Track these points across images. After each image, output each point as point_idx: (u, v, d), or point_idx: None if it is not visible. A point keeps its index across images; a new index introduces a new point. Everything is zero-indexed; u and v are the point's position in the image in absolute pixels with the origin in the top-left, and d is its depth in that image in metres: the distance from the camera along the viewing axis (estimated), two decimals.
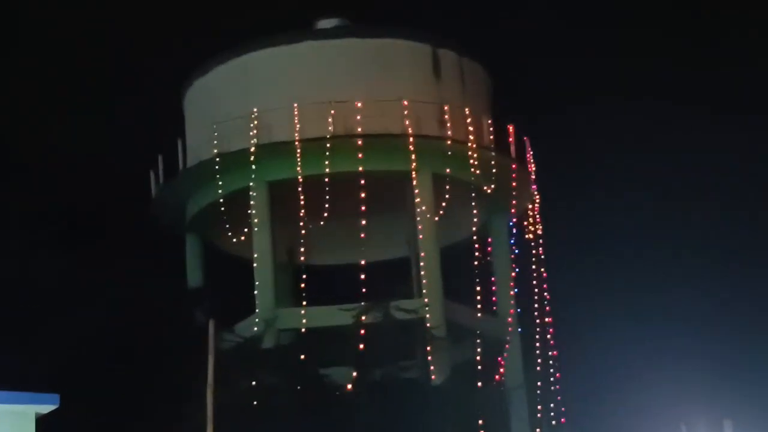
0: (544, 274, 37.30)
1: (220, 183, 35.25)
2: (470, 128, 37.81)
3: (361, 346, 29.44)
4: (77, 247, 31.22)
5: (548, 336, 36.43)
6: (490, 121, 39.16)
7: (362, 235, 33.97)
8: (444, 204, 36.54)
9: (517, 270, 37.45)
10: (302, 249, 34.62)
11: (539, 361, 35.92)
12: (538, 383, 35.35)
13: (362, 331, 29.75)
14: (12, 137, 41.70)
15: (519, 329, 36.71)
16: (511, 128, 39.13)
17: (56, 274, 29.00)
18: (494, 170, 37.52)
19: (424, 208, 35.52)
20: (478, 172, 36.90)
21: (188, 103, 40.49)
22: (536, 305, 36.81)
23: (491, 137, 38.79)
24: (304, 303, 32.96)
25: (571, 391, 36.14)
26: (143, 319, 27.35)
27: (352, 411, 26.59)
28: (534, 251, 37.67)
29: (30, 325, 26.70)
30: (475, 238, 37.00)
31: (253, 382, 26.60)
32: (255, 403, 25.59)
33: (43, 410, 15.45)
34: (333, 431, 25.37)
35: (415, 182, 35.64)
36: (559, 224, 41.87)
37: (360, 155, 34.98)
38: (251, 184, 35.22)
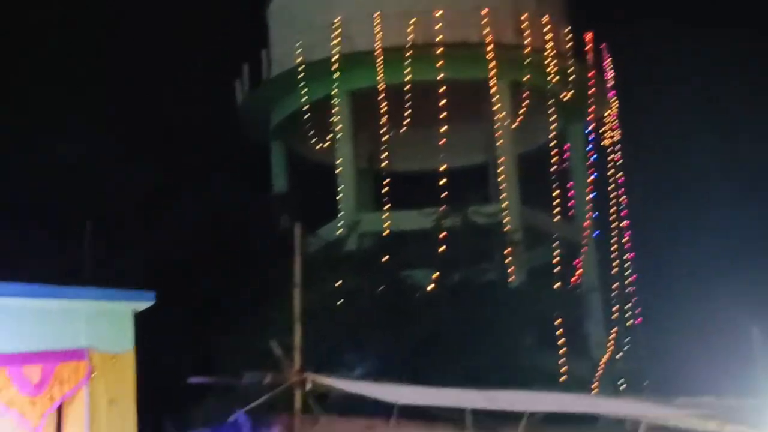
0: (620, 180, 37.38)
1: (303, 92, 35.63)
2: (548, 36, 37.90)
3: (441, 249, 29.85)
4: (170, 157, 31.70)
5: (624, 239, 36.62)
6: (567, 29, 39.17)
7: (442, 142, 34.28)
8: (521, 111, 36.73)
9: (593, 176, 37.53)
10: (383, 156, 34.98)
11: (615, 263, 36.12)
12: (614, 285, 35.57)
13: (442, 235, 30.13)
14: (98, 47, 42.23)
15: (595, 233, 36.91)
16: (588, 36, 39.09)
17: (153, 182, 29.46)
18: (571, 78, 37.62)
19: (502, 115, 35.75)
20: (555, 79, 37.06)
21: (272, 13, 40.98)
22: (612, 209, 36.93)
23: (569, 45, 38.85)
24: (385, 208, 33.40)
25: (646, 293, 36.19)
26: (233, 224, 27.89)
27: (432, 311, 27.04)
28: (610, 157, 37.67)
29: (127, 230, 27.34)
30: (552, 144, 37.12)
31: (337, 283, 27.11)
32: (339, 302, 26.11)
33: (140, 307, 15.93)
34: (414, 330, 25.84)
35: (493, 90, 35.82)
36: (635, 131, 41.33)
37: (439, 64, 35.24)
38: (334, 92, 35.59)
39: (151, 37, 41.21)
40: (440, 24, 35.41)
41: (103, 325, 15.77)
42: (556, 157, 36.56)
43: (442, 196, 32.52)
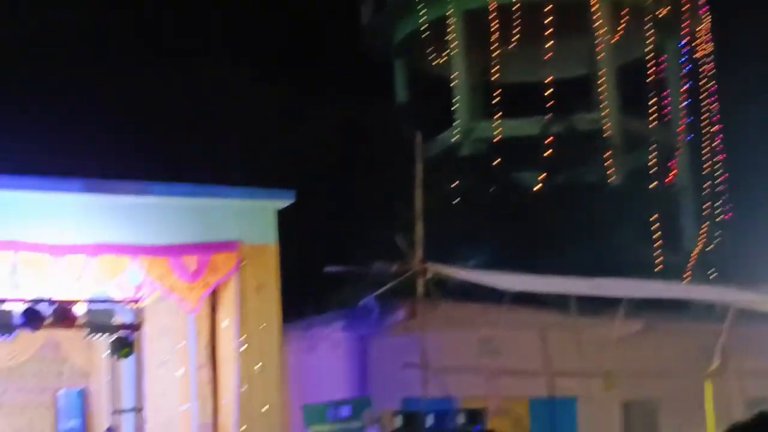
0: (712, 88, 36.75)
1: (422, 12, 35.64)
2: None
3: (547, 153, 29.88)
4: (309, 75, 31.76)
5: (715, 142, 36.25)
6: None
7: (548, 56, 34.01)
8: (621, 27, 36.18)
9: (687, 85, 37.01)
10: (495, 69, 34.92)
11: (706, 164, 35.80)
12: (705, 184, 35.37)
13: (548, 140, 30.10)
14: None
15: (689, 137, 36.60)
16: None
17: (295, 96, 29.46)
18: None
19: (603, 31, 35.34)
20: None
21: None
22: (704, 115, 36.39)
23: None
24: (496, 116, 33.42)
25: (735, 190, 35.70)
26: (362, 132, 28.06)
27: (539, 209, 27.04)
28: (702, 68, 36.88)
29: (272, 140, 27.44)
30: (649, 57, 36.54)
31: (453, 184, 27.23)
32: (455, 201, 26.25)
33: (281, 204, 16.44)
34: (523, 226, 25.83)
35: (595, 8, 35.34)
36: (728, 45, 40.04)
37: None
38: (449, 12, 35.53)
39: None
40: None
41: (250, 220, 16.27)
42: (653, 69, 36.13)
43: (548, 105, 32.41)
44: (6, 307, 14.38)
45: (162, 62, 29.69)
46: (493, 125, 32.64)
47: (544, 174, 29.12)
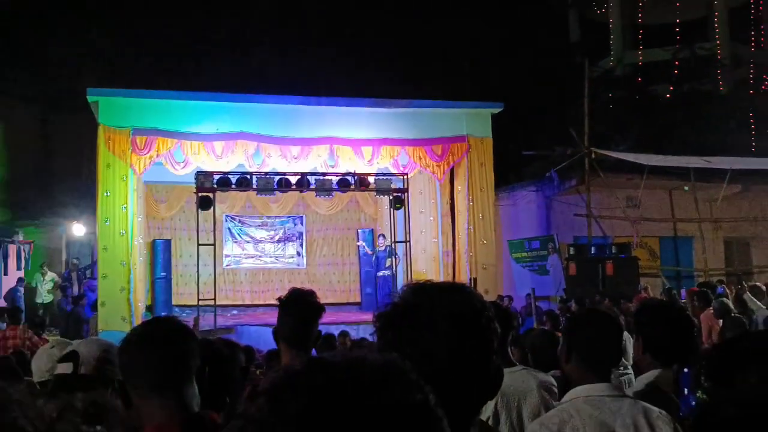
0: None
1: None
2: None
3: (675, 72, 28.53)
4: (510, 24, 29.71)
5: None
6: None
7: (678, 3, 31.94)
8: None
9: None
10: (639, 13, 33.09)
11: None
12: None
13: (676, 62, 28.83)
14: None
15: None
16: None
17: (501, 37, 28.00)
18: None
19: None
20: None
21: None
22: None
23: None
24: (640, 47, 31.92)
25: None
26: (548, 61, 26.93)
27: (669, 111, 26.01)
28: None
29: (487, 65, 26.50)
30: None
31: (610, 95, 26.55)
32: (611, 107, 25.38)
33: (495, 110, 16.51)
34: (658, 123, 24.61)
35: None
36: None
37: None
38: None
39: None
40: None
41: (475, 121, 16.53)
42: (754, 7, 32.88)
43: (677, 38, 30.80)
44: (327, 177, 15.31)
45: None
46: (638, 53, 31.75)
47: (672, 86, 28.24)
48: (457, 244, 16.66)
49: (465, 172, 16.35)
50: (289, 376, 0.86)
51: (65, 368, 2.33)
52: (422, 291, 1.48)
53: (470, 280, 15.53)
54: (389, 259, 17.13)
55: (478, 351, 1.42)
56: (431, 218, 17.40)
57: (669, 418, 2.45)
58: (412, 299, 1.45)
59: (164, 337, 2.12)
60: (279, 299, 3.66)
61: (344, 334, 11.54)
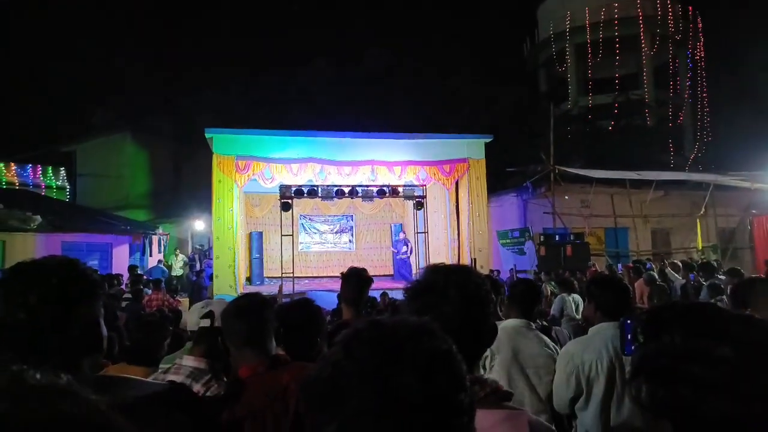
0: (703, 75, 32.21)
1: (553, 47, 32.52)
2: None
3: (615, 112, 27.82)
4: (493, 70, 28.99)
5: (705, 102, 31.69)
6: None
7: (615, 69, 31.10)
8: (654, 48, 31.79)
9: (689, 74, 31.18)
10: (588, 71, 32.33)
11: (699, 113, 31.55)
12: (698, 123, 31.19)
13: (615, 105, 28.11)
14: None
15: (690, 99, 30.80)
16: None
17: (482, 84, 27.12)
18: None
19: (645, 50, 31.31)
20: None
21: None
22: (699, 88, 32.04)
23: None
24: (589, 94, 31.21)
25: (715, 129, 29.59)
26: (521, 106, 26.46)
27: (611, 138, 25.16)
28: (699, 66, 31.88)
29: (476, 108, 25.73)
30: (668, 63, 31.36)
31: (567, 128, 25.49)
32: (569, 136, 24.46)
33: (487, 140, 15.85)
34: (602, 146, 23.13)
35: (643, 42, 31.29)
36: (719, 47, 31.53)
37: None
38: (566, 46, 32.18)
39: None
40: None
41: (473, 147, 16.15)
42: (671, 70, 31.82)
43: (616, 87, 30.03)
44: (370, 188, 15.02)
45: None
46: (588, 98, 31.17)
47: (613, 121, 27.62)
48: (460, 234, 16.44)
49: (466, 184, 16.07)
50: (357, 331, 0.87)
51: (205, 322, 2.33)
52: (437, 270, 1.46)
53: (471, 260, 15.38)
54: (404, 246, 17.15)
55: (479, 313, 1.40)
56: (442, 216, 17.24)
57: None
58: (430, 277, 1.44)
59: (250, 308, 2.11)
60: (342, 273, 3.69)
61: (384, 294, 11.52)
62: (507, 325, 3.20)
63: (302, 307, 2.50)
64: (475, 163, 16.16)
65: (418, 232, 16.16)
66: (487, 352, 3.35)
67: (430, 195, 16.39)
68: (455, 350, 0.87)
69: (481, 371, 3.17)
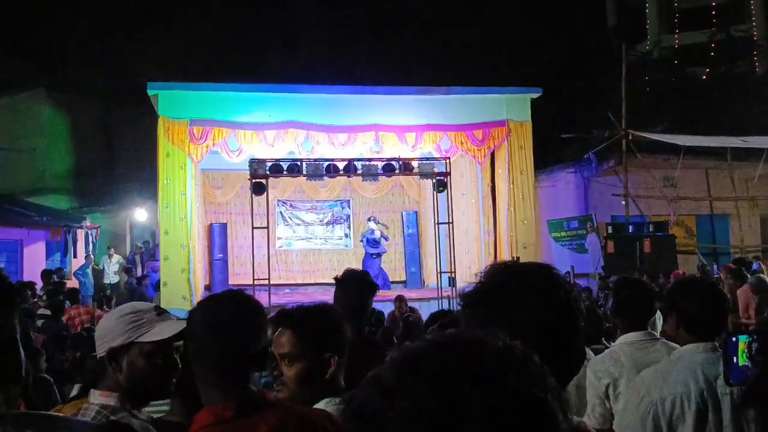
0: None
1: None
2: None
3: (712, 54, 27.91)
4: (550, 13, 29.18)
5: None
6: None
7: None
8: None
9: None
10: None
11: None
12: None
13: (713, 45, 28.17)
14: None
15: None
16: None
17: (536, 26, 27.17)
18: None
19: None
20: None
21: None
22: None
23: None
24: (676, 30, 31.21)
25: None
26: (586, 45, 26.70)
27: (705, 92, 25.34)
28: None
29: (524, 50, 25.88)
30: None
31: (647, 78, 25.91)
32: (648, 89, 24.99)
33: (533, 95, 16.25)
34: (694, 104, 23.82)
35: None
36: None
37: None
38: None
39: None
40: None
41: (514, 106, 16.32)
42: None
43: (713, 21, 29.98)
44: (373, 162, 15.16)
45: None
46: (674, 37, 30.92)
47: (708, 69, 27.52)
48: (497, 224, 16.54)
49: (505, 156, 16.17)
50: (416, 353, 0.86)
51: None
52: (508, 269, 1.48)
53: (512, 258, 15.40)
54: (377, 244, 17.43)
55: (565, 328, 1.41)
56: (473, 200, 17.35)
57: None
58: (501, 277, 1.46)
59: (235, 314, 2.07)
60: (336, 278, 3.72)
61: (400, 298, 11.60)
62: (625, 341, 3.48)
63: (321, 316, 2.46)
64: (518, 127, 16.26)
65: (438, 223, 16.17)
66: (608, 379, 3.48)
67: (456, 172, 16.56)
68: (555, 399, 0.86)
69: (607, 404, 3.40)
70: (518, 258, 15.31)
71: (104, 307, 11.91)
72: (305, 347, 2.35)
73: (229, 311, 2.05)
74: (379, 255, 17.42)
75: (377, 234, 17.49)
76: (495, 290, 1.43)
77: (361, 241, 17.78)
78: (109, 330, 2.23)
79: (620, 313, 3.62)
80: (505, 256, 15.85)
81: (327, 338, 2.41)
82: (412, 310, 11.29)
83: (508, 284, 1.42)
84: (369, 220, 18.03)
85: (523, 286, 1.40)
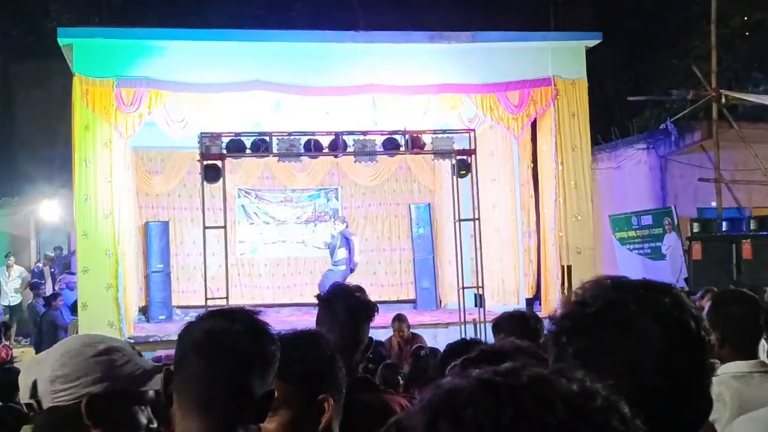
0: None
1: None
2: None
3: None
4: None
5: None
6: None
7: None
8: None
9: None
10: None
11: None
12: None
13: None
14: None
15: None
16: None
17: None
18: None
19: None
20: None
21: None
22: None
23: None
24: None
25: None
26: None
27: None
28: None
29: None
30: None
31: (744, 19, 25.83)
32: (746, 34, 24.96)
33: (590, 44, 16.37)
34: None
35: None
36: None
37: None
38: None
39: None
40: None
41: (563, 58, 16.43)
42: None
43: None
44: (369, 137, 15.03)
45: None
46: None
47: None
48: (541, 221, 16.71)
49: (551, 126, 16.25)
50: (456, 396, 0.86)
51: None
52: (617, 287, 1.50)
53: (562, 269, 15.48)
54: (340, 249, 17.12)
55: (693, 366, 1.44)
56: (507, 188, 17.55)
57: None
58: (612, 296, 1.47)
59: (235, 339, 2.12)
60: (318, 297, 3.72)
61: (400, 318, 11.65)
62: (728, 371, 3.49)
63: (309, 345, 2.53)
64: (569, 87, 16.31)
65: (460, 220, 16.05)
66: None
67: (484, 149, 16.61)
68: None
69: None
70: (569, 267, 15.40)
71: (5, 340, 11.90)
72: (292, 389, 2.37)
73: (234, 334, 2.09)
74: (338, 266, 17.05)
75: (333, 235, 17.46)
76: (605, 314, 1.44)
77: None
78: (79, 370, 2.26)
79: (728, 335, 3.60)
80: (551, 264, 15.99)
81: (320, 375, 2.43)
82: (415, 336, 11.34)
83: (625, 306, 1.44)
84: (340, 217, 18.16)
85: (644, 310, 1.43)
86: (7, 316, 17.33)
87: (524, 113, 16.26)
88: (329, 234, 18.01)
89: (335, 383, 2.48)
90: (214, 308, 2.44)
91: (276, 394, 2.28)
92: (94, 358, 2.27)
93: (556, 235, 16.06)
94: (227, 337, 2.10)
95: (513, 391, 0.84)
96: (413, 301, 18.71)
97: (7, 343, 12.41)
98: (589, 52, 16.53)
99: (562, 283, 15.25)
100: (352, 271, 17.04)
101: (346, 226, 17.91)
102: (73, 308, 14.79)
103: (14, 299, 18.33)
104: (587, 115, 16.32)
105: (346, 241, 17.28)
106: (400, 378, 7.60)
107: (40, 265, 19.96)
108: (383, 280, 19.59)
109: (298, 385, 2.38)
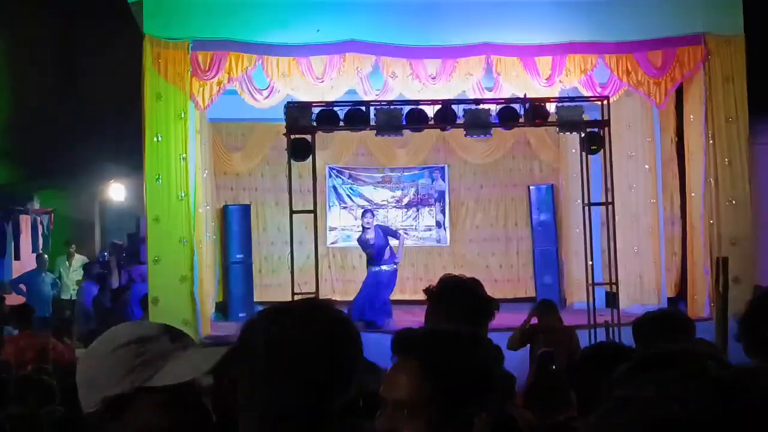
0: None
1: None
2: None
3: None
4: None
5: None
6: None
7: None
8: None
9: None
10: None
11: None
12: None
13: None
14: None
15: None
16: None
17: None
18: None
19: None
20: None
21: None
22: None
23: None
24: None
25: None
26: None
27: None
28: None
29: None
30: None
31: None
32: None
33: None
34: None
35: None
36: None
37: None
38: None
39: None
40: None
41: (716, 11, 16.11)
42: None
43: None
44: (483, 106, 14.81)
45: None
46: None
47: None
48: (688, 208, 16.61)
49: (701, 94, 16.07)
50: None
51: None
52: None
53: (716, 262, 15.16)
54: (384, 239, 16.66)
55: None
56: (646, 166, 17.47)
57: None
58: None
59: (328, 332, 2.18)
60: (426, 291, 3.69)
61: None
62: None
63: (465, 344, 2.49)
64: (723, 45, 16.06)
65: (590, 204, 15.87)
66: None
67: (620, 120, 16.51)
68: None
69: None
70: (725, 260, 15.05)
71: (64, 337, 12.16)
72: (439, 392, 2.31)
73: (313, 334, 2.08)
74: (388, 265, 16.68)
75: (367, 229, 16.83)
76: None
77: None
78: (100, 371, 2.22)
79: None
80: (698, 258, 15.92)
81: (475, 383, 2.36)
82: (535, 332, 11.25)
83: None
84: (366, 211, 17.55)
85: None
86: (69, 311, 17.64)
87: (668, 77, 16.07)
88: (371, 229, 16.83)
89: (489, 396, 2.44)
90: (282, 303, 2.45)
91: (419, 393, 2.30)
92: (109, 355, 2.23)
93: (705, 223, 15.94)
94: (306, 336, 2.10)
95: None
96: (533, 300, 18.51)
97: (69, 342, 12.62)
98: (748, 1, 16.15)
99: (715, 281, 14.98)
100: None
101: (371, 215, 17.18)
102: (143, 304, 14.98)
103: (76, 292, 18.59)
104: (744, 81, 16.05)
105: (392, 235, 17.04)
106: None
107: (106, 254, 20.31)
108: (497, 274, 19.58)
109: (447, 390, 2.33)
